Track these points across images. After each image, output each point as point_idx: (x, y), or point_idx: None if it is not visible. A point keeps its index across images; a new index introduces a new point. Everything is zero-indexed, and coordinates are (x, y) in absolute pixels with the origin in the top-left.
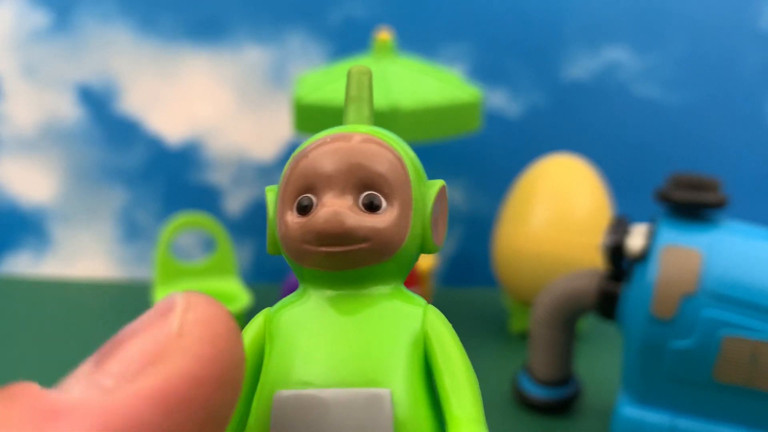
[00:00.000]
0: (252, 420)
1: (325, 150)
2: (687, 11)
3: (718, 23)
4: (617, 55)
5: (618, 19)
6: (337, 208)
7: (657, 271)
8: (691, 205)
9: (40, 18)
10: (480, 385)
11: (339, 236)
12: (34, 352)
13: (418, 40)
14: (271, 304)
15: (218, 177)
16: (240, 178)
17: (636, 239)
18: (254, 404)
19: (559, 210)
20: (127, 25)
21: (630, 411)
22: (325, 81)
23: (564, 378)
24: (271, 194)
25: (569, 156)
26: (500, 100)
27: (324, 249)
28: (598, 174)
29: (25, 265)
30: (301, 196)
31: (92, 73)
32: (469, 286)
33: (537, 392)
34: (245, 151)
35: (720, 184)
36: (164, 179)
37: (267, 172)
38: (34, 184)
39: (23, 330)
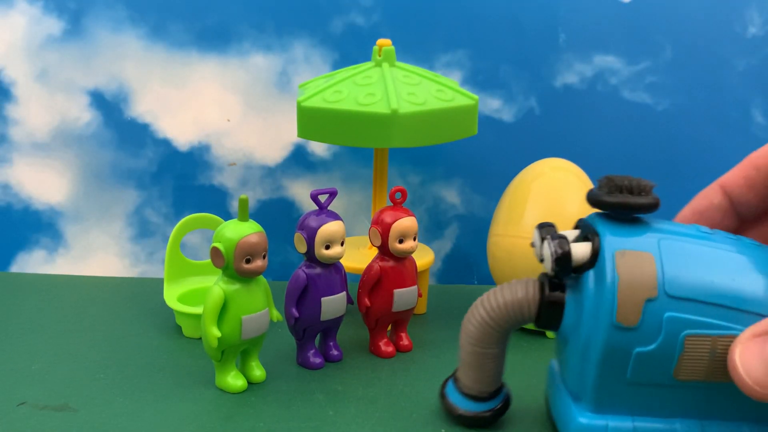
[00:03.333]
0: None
1: None
2: (676, 19)
3: (706, 30)
4: (608, 62)
5: (608, 27)
6: None
7: (616, 278)
8: (626, 209)
9: (53, 25)
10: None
11: None
12: (47, 348)
13: (417, 48)
14: (276, 301)
15: (225, 179)
16: (246, 179)
17: (582, 247)
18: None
19: (551, 211)
20: (137, 32)
21: (588, 420)
22: (326, 87)
23: (495, 390)
24: None
25: (561, 159)
26: (495, 106)
27: None
28: (588, 177)
29: (38, 263)
30: None
31: (104, 79)
32: (465, 283)
33: (466, 406)
34: (251, 153)
35: (652, 186)
36: (173, 181)
37: (272, 174)
38: (47, 185)
39: (37, 326)
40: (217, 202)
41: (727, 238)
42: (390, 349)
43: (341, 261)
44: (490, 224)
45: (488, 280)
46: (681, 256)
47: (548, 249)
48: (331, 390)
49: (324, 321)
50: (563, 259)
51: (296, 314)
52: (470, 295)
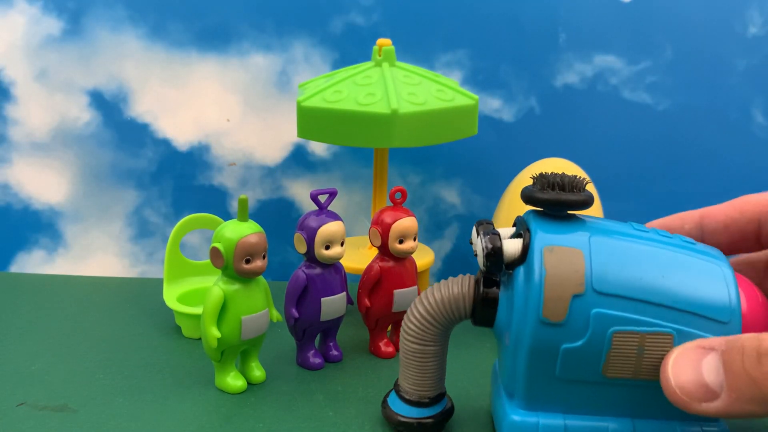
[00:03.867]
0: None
1: None
2: (676, 19)
3: (706, 30)
4: (608, 61)
5: (609, 27)
6: None
7: (543, 273)
8: (559, 205)
9: (52, 25)
10: (477, 377)
11: None
12: (47, 348)
13: (417, 48)
14: (276, 301)
15: (225, 179)
16: (246, 179)
17: (514, 243)
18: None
19: None
20: (137, 32)
21: (521, 417)
22: (326, 87)
23: (436, 396)
24: None
25: (561, 159)
26: (495, 105)
27: None
28: (589, 176)
29: (38, 263)
30: None
31: (103, 79)
32: None
33: (409, 413)
34: (251, 153)
35: (585, 182)
36: (173, 181)
37: (272, 174)
38: (46, 185)
39: (37, 326)
40: (216, 202)
41: (661, 236)
42: (390, 349)
43: (341, 261)
44: None
45: None
46: (610, 253)
47: (480, 245)
48: (331, 390)
49: (324, 321)
50: (493, 254)
51: (296, 314)
52: None
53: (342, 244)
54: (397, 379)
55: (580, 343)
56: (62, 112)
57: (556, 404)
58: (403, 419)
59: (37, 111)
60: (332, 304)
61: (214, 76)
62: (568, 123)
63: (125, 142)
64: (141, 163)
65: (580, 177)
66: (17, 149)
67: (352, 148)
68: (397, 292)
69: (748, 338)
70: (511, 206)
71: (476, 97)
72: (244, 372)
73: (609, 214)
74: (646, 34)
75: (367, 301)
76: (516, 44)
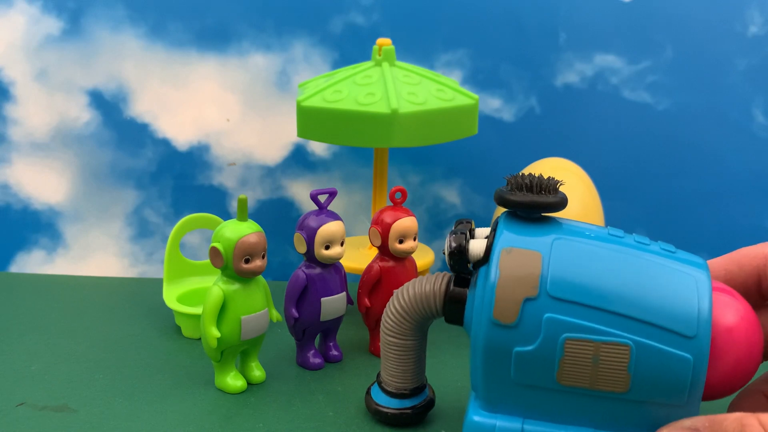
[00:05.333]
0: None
1: None
2: (676, 18)
3: (706, 30)
4: (608, 61)
5: (609, 27)
6: None
7: (497, 274)
8: (529, 207)
9: (52, 25)
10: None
11: None
12: (46, 348)
13: (417, 48)
14: (276, 301)
15: (225, 179)
16: (246, 179)
17: (477, 243)
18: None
19: None
20: (137, 32)
21: (480, 418)
22: (326, 86)
23: (416, 388)
24: None
25: (561, 159)
26: (495, 105)
27: None
28: (589, 176)
29: (37, 263)
30: None
31: (103, 78)
32: None
33: (389, 404)
34: (251, 153)
35: (558, 184)
36: (173, 180)
37: (272, 173)
38: (46, 185)
39: (37, 326)
40: (216, 202)
41: (637, 242)
42: None
43: (341, 261)
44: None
45: None
46: (572, 258)
47: (446, 243)
48: (331, 390)
49: (324, 321)
50: (456, 253)
51: (296, 314)
52: None
53: (342, 244)
54: (380, 371)
55: (531, 347)
56: (62, 112)
57: (515, 407)
58: (382, 409)
59: (37, 111)
60: (332, 304)
61: (213, 76)
62: (568, 123)
63: (125, 142)
64: (141, 163)
65: (553, 179)
66: (17, 149)
67: (352, 148)
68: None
69: (732, 421)
70: None
71: (476, 96)
72: (243, 372)
73: (609, 213)
74: (646, 34)
75: (367, 301)
76: (516, 44)
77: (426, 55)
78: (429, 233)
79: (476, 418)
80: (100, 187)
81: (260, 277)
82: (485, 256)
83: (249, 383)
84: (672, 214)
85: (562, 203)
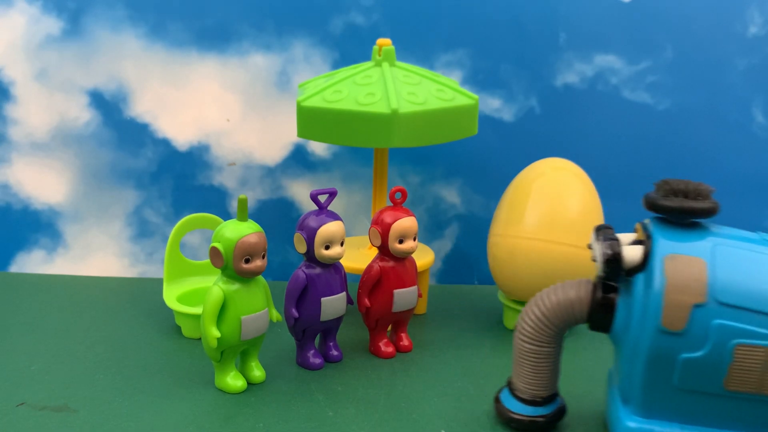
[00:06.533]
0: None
1: None
2: (676, 19)
3: (706, 30)
4: (608, 61)
5: (609, 27)
6: None
7: (664, 281)
8: (683, 213)
9: (52, 24)
10: (477, 377)
11: None
12: (47, 348)
13: (417, 48)
14: (276, 301)
15: (225, 179)
16: (246, 179)
17: (634, 249)
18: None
19: (551, 211)
20: (137, 32)
21: (635, 423)
22: (326, 87)
23: (549, 395)
24: None
25: (561, 159)
26: (495, 105)
27: None
28: (589, 176)
29: (38, 263)
30: None
31: (103, 78)
32: (465, 283)
33: (522, 411)
34: (251, 153)
35: (711, 190)
36: (173, 180)
37: (272, 174)
38: (46, 185)
39: (37, 326)
40: (216, 202)
41: None
42: (390, 349)
43: (341, 261)
44: (490, 224)
45: (488, 280)
46: (736, 263)
47: (599, 250)
48: (331, 390)
49: (324, 321)
50: (613, 261)
51: (296, 314)
52: (470, 296)
53: (342, 244)
54: (510, 376)
55: (700, 353)
56: (62, 112)
57: (674, 413)
58: (515, 416)
59: (37, 111)
60: (332, 304)
61: (214, 76)
62: (568, 123)
63: (125, 142)
64: (141, 162)
65: (704, 185)
66: (17, 149)
67: (352, 148)
68: (397, 292)
69: None
70: (511, 206)
71: (476, 97)
72: (244, 372)
73: (609, 213)
74: (646, 34)
75: (367, 301)
76: (516, 44)
77: (426, 55)
78: (429, 233)
79: (632, 424)
80: (100, 187)
81: (260, 277)
82: (642, 263)
83: (249, 383)
84: None
85: (716, 209)
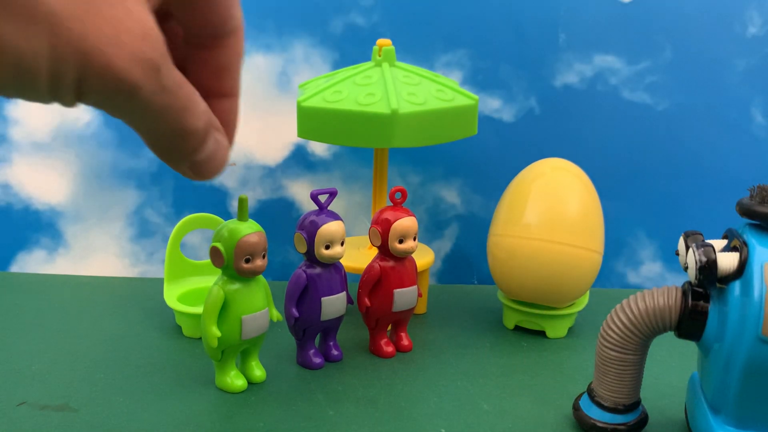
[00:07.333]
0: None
1: None
2: (676, 19)
3: (706, 30)
4: (608, 61)
5: (608, 27)
6: None
7: (764, 290)
8: None
9: None
10: (477, 377)
11: None
12: (47, 348)
13: (417, 48)
14: (276, 301)
15: (225, 179)
16: (246, 179)
17: (729, 257)
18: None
19: (550, 211)
20: None
21: None
22: (326, 87)
23: (632, 403)
24: None
25: (561, 159)
26: (495, 106)
27: None
28: (589, 176)
29: (38, 263)
30: None
31: None
32: (465, 283)
33: (604, 418)
34: (251, 153)
35: None
36: (173, 181)
37: (272, 174)
38: (47, 185)
39: (37, 326)
40: (217, 202)
41: None
42: (390, 349)
43: (341, 261)
44: (490, 224)
45: (488, 280)
46: None
47: (693, 257)
48: (331, 390)
49: (324, 321)
50: (708, 268)
51: (296, 314)
52: (470, 295)
53: (342, 244)
54: (591, 383)
55: None
56: (62, 112)
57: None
58: (598, 424)
59: (38, 111)
60: (332, 304)
61: None
62: (568, 123)
63: (126, 142)
64: (141, 163)
65: None
66: (18, 149)
67: (352, 148)
68: (397, 291)
69: None
70: (511, 206)
71: (476, 97)
72: (244, 371)
73: (609, 213)
74: (646, 34)
75: (367, 301)
76: (516, 44)
77: (426, 55)
78: (429, 233)
79: None
80: (101, 187)
81: (261, 277)
82: (738, 271)
83: (249, 383)
84: (671, 214)
85: None
